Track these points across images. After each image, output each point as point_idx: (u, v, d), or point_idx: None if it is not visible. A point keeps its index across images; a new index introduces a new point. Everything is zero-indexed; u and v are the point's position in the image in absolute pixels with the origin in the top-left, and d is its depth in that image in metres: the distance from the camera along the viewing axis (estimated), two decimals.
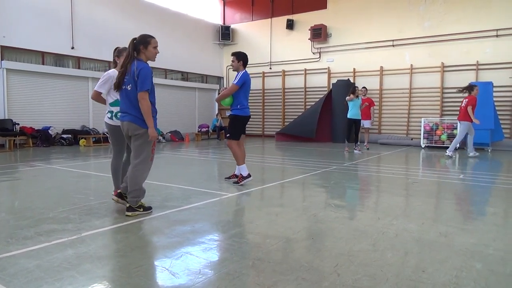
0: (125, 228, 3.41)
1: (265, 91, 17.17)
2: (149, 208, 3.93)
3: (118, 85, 3.79)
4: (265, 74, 17.09)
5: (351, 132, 10.53)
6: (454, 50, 12.93)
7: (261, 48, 17.16)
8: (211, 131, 16.22)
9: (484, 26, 12.32)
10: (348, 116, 10.25)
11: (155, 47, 3.83)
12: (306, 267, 2.53)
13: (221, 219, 3.77)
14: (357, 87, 10.60)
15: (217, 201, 4.48)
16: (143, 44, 3.76)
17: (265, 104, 17.19)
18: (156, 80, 14.69)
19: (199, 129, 16.46)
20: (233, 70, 5.65)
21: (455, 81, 12.84)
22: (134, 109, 3.72)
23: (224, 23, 18.20)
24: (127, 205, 3.81)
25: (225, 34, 17.78)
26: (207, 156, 9.29)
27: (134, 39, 3.78)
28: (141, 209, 3.83)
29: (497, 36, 12.18)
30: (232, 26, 17.96)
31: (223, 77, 18.39)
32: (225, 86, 18.00)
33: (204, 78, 17.79)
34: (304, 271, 2.46)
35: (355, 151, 10.22)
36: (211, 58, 17.75)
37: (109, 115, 4.23)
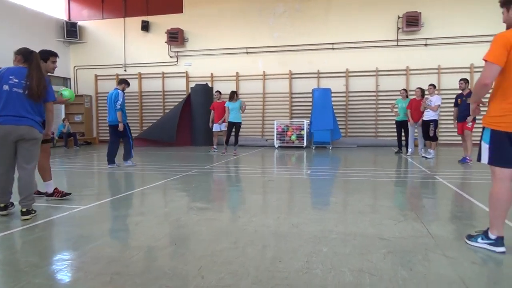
0: None
1: None
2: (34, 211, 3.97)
3: None
4: (120, 77, 16.12)
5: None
6: (300, 60, 14.37)
7: (114, 48, 16.12)
8: (56, 138, 14.29)
9: (322, 39, 14.01)
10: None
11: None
12: (169, 274, 2.45)
13: (72, 235, 3.37)
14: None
15: (66, 216, 4.00)
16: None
17: None
18: None
19: None
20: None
21: (301, 86, 14.29)
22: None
23: (69, 19, 16.49)
24: (24, 209, 3.81)
25: (72, 31, 16.11)
26: (53, 166, 8.24)
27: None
28: (34, 212, 3.91)
29: (332, 49, 14.02)
30: (80, 23, 16.39)
31: (70, 78, 16.63)
32: (71, 86, 16.31)
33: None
34: (167, 278, 2.38)
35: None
36: None
37: None
